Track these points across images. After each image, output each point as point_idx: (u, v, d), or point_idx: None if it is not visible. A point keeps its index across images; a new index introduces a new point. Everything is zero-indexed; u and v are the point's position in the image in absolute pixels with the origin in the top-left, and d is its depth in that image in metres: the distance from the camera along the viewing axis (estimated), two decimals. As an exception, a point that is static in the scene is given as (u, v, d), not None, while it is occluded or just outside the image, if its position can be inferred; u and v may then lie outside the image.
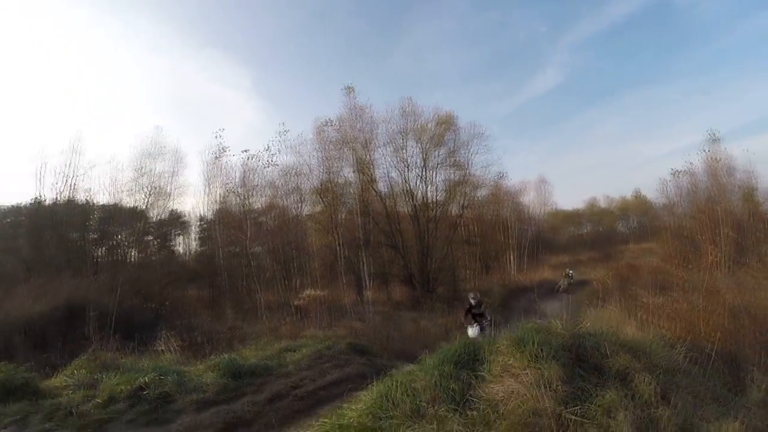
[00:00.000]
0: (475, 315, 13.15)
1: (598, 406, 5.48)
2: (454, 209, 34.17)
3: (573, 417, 5.37)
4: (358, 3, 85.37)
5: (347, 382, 9.97)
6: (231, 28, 79.91)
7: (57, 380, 9.46)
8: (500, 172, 36.59)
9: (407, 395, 6.24)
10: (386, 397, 6.37)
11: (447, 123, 33.09)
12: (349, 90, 30.46)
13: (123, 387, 8.63)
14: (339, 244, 27.98)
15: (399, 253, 30.71)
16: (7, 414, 7.67)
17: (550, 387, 5.72)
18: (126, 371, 9.59)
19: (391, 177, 31.83)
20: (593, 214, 57.83)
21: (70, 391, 8.80)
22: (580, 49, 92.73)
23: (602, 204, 58.50)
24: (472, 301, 13.41)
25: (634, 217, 57.33)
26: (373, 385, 7.13)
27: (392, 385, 6.60)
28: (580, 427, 5.28)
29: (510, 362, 6.41)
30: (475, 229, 38.97)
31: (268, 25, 79.26)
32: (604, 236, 52.48)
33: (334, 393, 9.28)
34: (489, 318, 13.31)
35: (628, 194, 57.69)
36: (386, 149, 31.56)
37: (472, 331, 12.45)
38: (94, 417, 7.78)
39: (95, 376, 9.48)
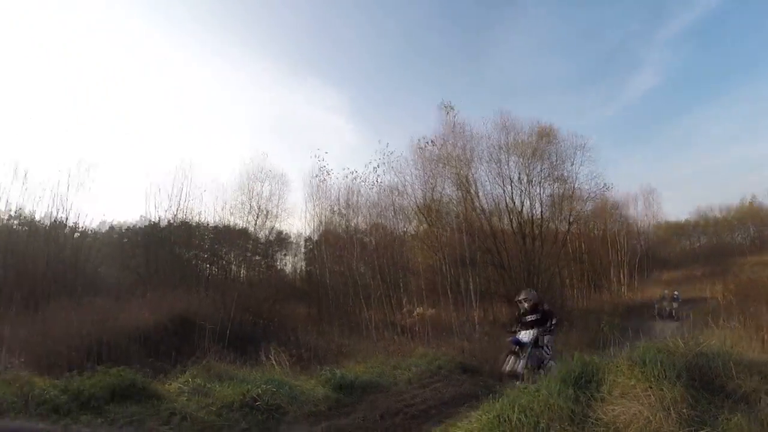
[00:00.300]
0: (530, 323, 10.49)
1: (723, 431, 4.88)
2: (559, 225, 33.06)
3: (696, 442, 4.81)
4: (444, 22, 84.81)
5: (459, 401, 9.56)
6: (329, 57, 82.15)
7: (171, 387, 9.61)
8: (605, 184, 34.47)
9: (524, 415, 5.85)
10: (501, 417, 5.99)
11: (548, 135, 32.31)
12: (447, 108, 30.22)
13: (236, 397, 8.65)
14: (444, 263, 27.56)
15: (504, 271, 29.79)
16: (124, 415, 7.83)
17: (673, 409, 5.18)
18: (239, 382, 9.65)
19: (494, 193, 31.19)
20: (707, 224, 53.44)
21: (185, 398, 8.90)
22: (677, 44, 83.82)
23: (717, 213, 53.25)
24: (525, 304, 10.69)
25: (752, 227, 51.75)
26: (486, 405, 6.78)
27: (507, 404, 6.20)
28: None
29: (631, 383, 5.88)
30: (581, 245, 37.54)
31: (361, 52, 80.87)
32: (719, 249, 47.78)
33: (447, 412, 8.87)
34: (552, 325, 10.55)
35: (742, 201, 52.56)
36: (488, 165, 30.96)
37: (524, 338, 10.32)
38: (208, 423, 7.82)
39: (209, 385, 9.57)
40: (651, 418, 5.12)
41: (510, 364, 10.15)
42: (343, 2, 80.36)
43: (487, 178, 30.80)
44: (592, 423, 5.44)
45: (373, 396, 10.05)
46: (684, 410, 5.14)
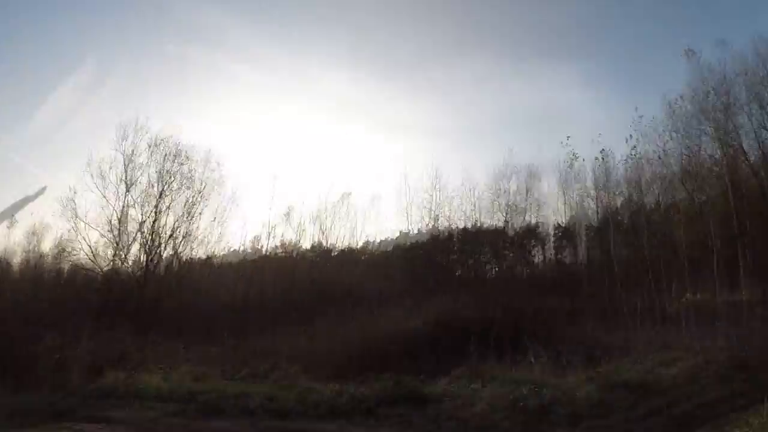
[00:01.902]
0: None
1: None
2: None
3: None
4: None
5: (729, 402, 9.12)
6: (550, 34, 78.65)
7: (436, 388, 10.52)
8: None
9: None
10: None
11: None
12: (690, 53, 27.03)
13: (501, 398, 9.22)
14: (711, 236, 25.29)
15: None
16: (393, 416, 8.90)
17: None
18: (502, 383, 10.23)
19: (762, 141, 27.26)
20: None
21: (450, 399, 9.70)
22: None
23: None
24: None
25: None
26: (759, 407, 6.48)
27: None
28: None
29: None
30: None
31: (583, 16, 75.57)
32: None
33: (713, 413, 8.55)
34: None
35: None
36: (750, 108, 26.60)
37: None
38: (474, 424, 8.50)
39: (473, 386, 10.29)
40: None
41: None
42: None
43: (751, 125, 26.82)
44: None
45: (637, 395, 9.96)
46: None
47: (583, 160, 29.64)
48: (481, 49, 74.47)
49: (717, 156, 26.84)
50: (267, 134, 65.01)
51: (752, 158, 26.64)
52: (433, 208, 29.94)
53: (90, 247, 27.15)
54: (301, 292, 26.84)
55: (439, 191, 30.35)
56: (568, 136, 31.66)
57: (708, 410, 8.78)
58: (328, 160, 60.69)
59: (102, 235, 27.46)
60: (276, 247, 31.19)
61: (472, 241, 31.08)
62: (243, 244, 31.90)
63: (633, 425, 8.30)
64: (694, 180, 27.13)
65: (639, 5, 68.73)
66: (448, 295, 22.98)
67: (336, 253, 30.95)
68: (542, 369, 12.59)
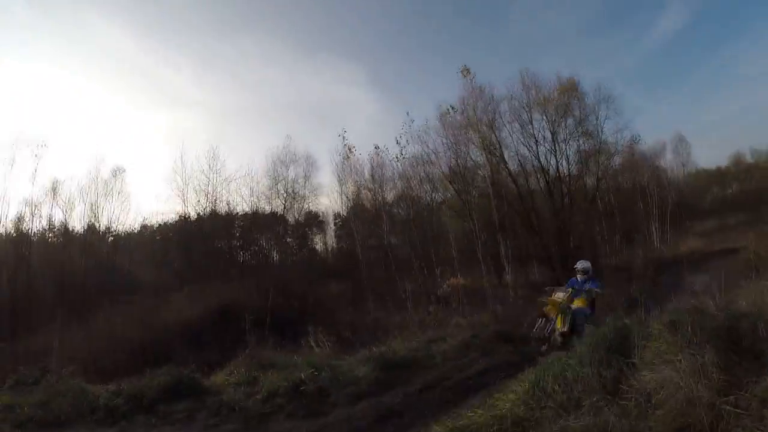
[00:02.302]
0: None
1: (754, 395, 4.63)
2: (588, 181, 32.77)
3: (727, 407, 4.63)
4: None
5: (495, 371, 9.78)
6: (340, 29, 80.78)
7: (217, 378, 10.09)
8: (633, 136, 35.12)
9: (559, 385, 5.97)
10: (537, 386, 6.12)
11: (571, 90, 31.84)
12: (465, 72, 29.95)
13: (281, 383, 9.00)
14: (475, 229, 27.73)
15: (535, 232, 30.02)
16: (175, 412, 8.31)
17: (704, 375, 5.15)
18: (282, 368, 10.01)
19: (521, 154, 31.11)
20: (740, 171, 51.56)
21: (231, 389, 9.31)
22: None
23: (748, 158, 51.60)
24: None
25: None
26: (522, 374, 6.96)
27: (543, 374, 6.34)
28: (735, 418, 4.51)
29: (662, 348, 5.89)
30: (612, 200, 37.30)
31: (375, 17, 79.19)
32: (755, 196, 43.91)
33: (483, 382, 9.07)
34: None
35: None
36: (512, 126, 30.89)
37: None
38: (255, 411, 8.22)
39: (254, 374, 9.95)
40: (681, 384, 5.04)
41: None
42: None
43: (512, 140, 30.73)
44: (624, 390, 5.51)
45: (412, 371, 10.28)
46: (714, 375, 4.99)
47: (360, 153, 30.81)
48: (272, 32, 74.10)
49: (482, 162, 29.65)
50: (33, 92, 57.25)
51: (512, 167, 30.39)
52: (210, 191, 28.93)
53: None
54: (75, 281, 24.24)
55: (217, 173, 29.53)
56: (345, 130, 33.08)
57: (478, 380, 9.37)
58: (101, 131, 55.85)
59: None
60: (44, 229, 27.57)
61: (254, 227, 30.62)
62: (3, 225, 26.80)
63: (410, 399, 8.55)
64: (461, 181, 29.33)
65: (428, 22, 73.37)
66: (231, 281, 22.43)
67: (111, 237, 28.46)
68: (323, 353, 12.68)
